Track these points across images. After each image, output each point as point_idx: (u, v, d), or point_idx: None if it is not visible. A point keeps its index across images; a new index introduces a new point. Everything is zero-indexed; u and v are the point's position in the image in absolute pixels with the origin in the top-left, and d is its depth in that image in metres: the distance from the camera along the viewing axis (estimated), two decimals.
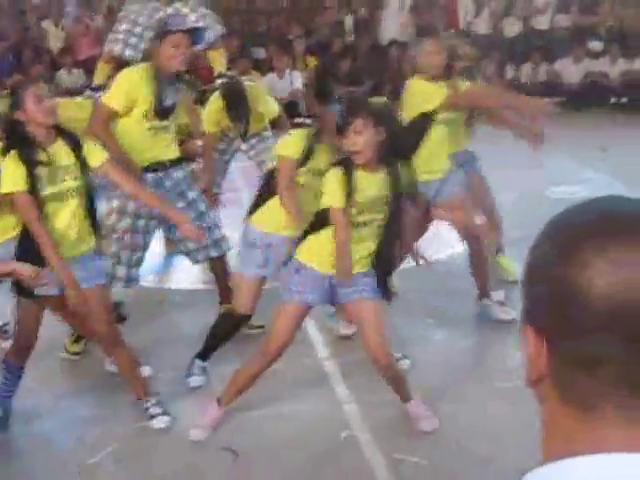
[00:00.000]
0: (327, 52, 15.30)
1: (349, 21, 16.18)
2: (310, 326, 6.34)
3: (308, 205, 5.25)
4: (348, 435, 5.28)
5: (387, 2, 16.05)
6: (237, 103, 7.12)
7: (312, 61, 15.21)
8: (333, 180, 4.87)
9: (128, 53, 7.95)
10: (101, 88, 7.74)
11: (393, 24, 15.81)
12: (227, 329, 5.93)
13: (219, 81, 7.71)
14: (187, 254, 6.56)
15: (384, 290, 5.19)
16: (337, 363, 6.13)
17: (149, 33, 7.90)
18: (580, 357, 1.22)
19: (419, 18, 15.78)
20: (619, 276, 1.17)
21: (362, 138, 4.78)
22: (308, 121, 14.23)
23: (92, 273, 5.23)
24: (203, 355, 5.99)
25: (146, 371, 5.94)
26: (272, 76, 14.39)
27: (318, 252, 5.04)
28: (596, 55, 15.48)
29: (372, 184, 4.90)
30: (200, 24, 7.10)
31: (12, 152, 4.99)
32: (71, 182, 5.12)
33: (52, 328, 5.77)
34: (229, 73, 8.07)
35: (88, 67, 12.41)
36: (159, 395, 5.57)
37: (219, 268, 6.65)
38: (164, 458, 5.15)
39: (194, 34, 6.24)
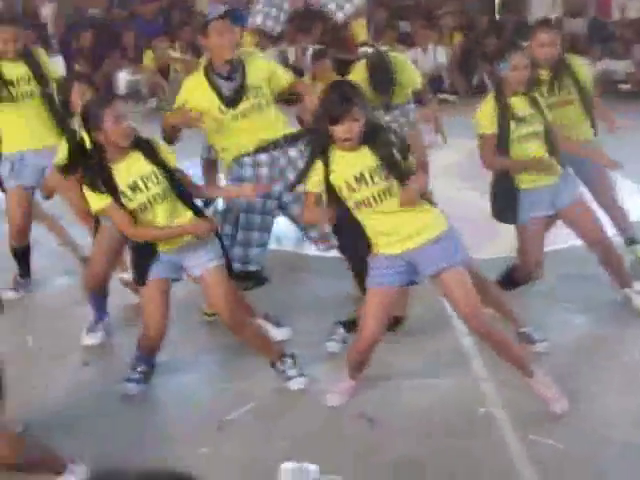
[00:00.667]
0: (474, 29, 15.17)
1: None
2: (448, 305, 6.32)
3: None
4: (485, 411, 5.27)
5: None
6: (381, 73, 7.03)
7: (458, 37, 15.06)
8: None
9: (269, 24, 8.02)
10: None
11: (542, 3, 15.58)
12: None
13: (363, 50, 7.63)
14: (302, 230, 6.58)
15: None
16: (475, 341, 6.09)
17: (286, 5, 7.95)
18: None
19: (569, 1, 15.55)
20: None
21: (357, 125, 4.76)
22: (451, 97, 14.22)
23: (204, 257, 5.29)
24: (348, 325, 6.01)
25: (284, 333, 6.04)
26: (416, 50, 14.31)
27: (374, 237, 5.03)
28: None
29: (355, 160, 4.86)
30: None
31: (85, 181, 5.09)
32: (154, 188, 5.11)
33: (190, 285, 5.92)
34: (372, 43, 7.96)
35: None
36: (296, 357, 5.61)
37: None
38: (300, 419, 5.21)
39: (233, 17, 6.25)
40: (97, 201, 5.05)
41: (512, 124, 5.83)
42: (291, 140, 6.26)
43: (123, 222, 5.08)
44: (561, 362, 5.79)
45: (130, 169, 5.05)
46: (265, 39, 11.13)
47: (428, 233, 4.92)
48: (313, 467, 4.39)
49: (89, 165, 5.05)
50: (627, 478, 4.56)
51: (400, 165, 4.81)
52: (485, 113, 5.95)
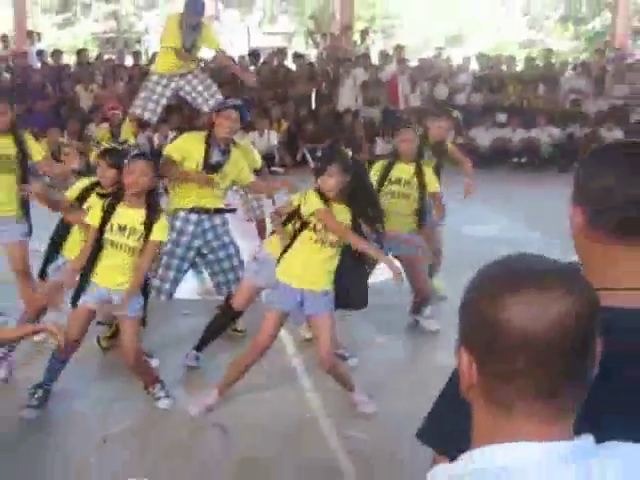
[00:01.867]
0: (296, 117, 15.31)
1: (313, 94, 16.24)
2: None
3: None
4: (310, 416, 5.28)
5: (343, 81, 16.10)
6: None
7: (284, 124, 15.20)
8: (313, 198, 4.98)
9: (147, 116, 7.95)
10: (125, 142, 7.70)
11: (347, 97, 15.87)
12: (222, 323, 5.92)
13: None
14: (216, 286, 6.50)
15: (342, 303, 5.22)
16: (302, 360, 6.12)
17: (163, 101, 7.90)
18: (499, 372, 1.30)
19: (367, 93, 15.87)
20: (528, 315, 1.25)
21: (333, 180, 4.87)
22: (280, 170, 14.32)
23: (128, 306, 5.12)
24: (198, 347, 5.94)
25: (154, 362, 5.91)
26: (254, 134, 14.37)
27: (289, 270, 5.07)
28: (502, 125, 15.65)
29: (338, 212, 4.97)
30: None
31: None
32: (131, 242, 5.03)
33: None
34: None
35: (112, 123, 12.36)
36: (163, 382, 5.50)
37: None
38: (169, 431, 5.09)
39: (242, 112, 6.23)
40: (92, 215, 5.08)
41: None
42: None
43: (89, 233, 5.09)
44: (369, 373, 5.85)
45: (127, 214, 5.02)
46: (138, 127, 11.09)
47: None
48: None
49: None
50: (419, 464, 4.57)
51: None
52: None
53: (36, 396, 5.25)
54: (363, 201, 5.12)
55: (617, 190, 1.67)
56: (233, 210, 6.88)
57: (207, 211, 6.19)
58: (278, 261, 5.17)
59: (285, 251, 5.14)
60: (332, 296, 5.12)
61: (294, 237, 5.11)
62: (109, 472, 4.58)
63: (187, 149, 6.06)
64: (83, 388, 5.67)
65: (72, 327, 5.17)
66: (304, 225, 5.04)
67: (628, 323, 1.55)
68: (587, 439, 1.31)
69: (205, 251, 6.30)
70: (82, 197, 5.62)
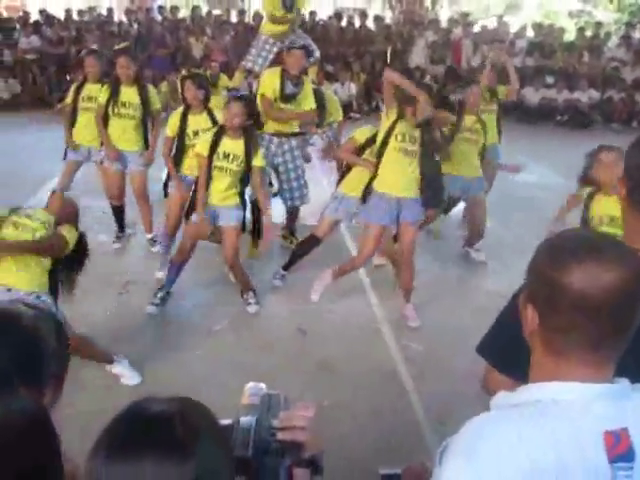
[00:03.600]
0: (373, 72, 15.12)
1: (389, 51, 15.97)
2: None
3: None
4: (375, 326, 5.39)
5: (415, 41, 15.78)
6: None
7: (362, 77, 15.04)
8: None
9: (257, 69, 7.95)
10: (236, 89, 7.79)
11: (418, 56, 15.59)
12: (306, 249, 5.92)
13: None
14: (283, 198, 6.65)
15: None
16: (371, 279, 6.19)
17: (270, 56, 7.87)
18: (558, 325, 1.35)
19: (435, 53, 15.55)
20: (586, 280, 1.30)
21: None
22: (358, 115, 14.21)
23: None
24: (285, 267, 6.02)
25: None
26: (337, 84, 14.26)
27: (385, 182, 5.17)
28: (549, 86, 15.20)
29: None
30: (311, 47, 7.12)
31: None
32: (235, 167, 5.15)
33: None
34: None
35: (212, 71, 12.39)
36: (255, 291, 5.64)
37: (295, 213, 6.82)
38: (259, 331, 5.25)
39: (307, 52, 6.41)
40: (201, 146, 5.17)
41: None
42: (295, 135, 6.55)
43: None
44: (426, 292, 5.88)
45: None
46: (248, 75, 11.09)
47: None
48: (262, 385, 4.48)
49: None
50: (463, 372, 4.60)
51: None
52: None
53: (159, 296, 5.48)
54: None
55: None
56: (303, 134, 6.84)
57: (286, 135, 6.41)
58: (371, 181, 5.21)
59: (376, 171, 5.17)
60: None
61: (379, 157, 5.13)
62: (211, 361, 4.77)
63: (268, 84, 6.19)
64: (193, 292, 5.83)
65: (186, 240, 5.37)
66: (385, 143, 5.07)
67: None
68: (623, 382, 1.36)
69: (281, 169, 6.52)
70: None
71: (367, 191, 5.26)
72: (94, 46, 14.97)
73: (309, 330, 5.27)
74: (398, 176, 5.10)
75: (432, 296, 5.90)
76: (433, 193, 5.26)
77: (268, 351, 4.92)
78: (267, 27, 7.94)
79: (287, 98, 6.21)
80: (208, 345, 5.00)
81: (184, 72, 8.47)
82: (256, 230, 6.36)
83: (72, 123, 6.65)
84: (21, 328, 1.34)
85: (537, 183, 8.75)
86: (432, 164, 5.19)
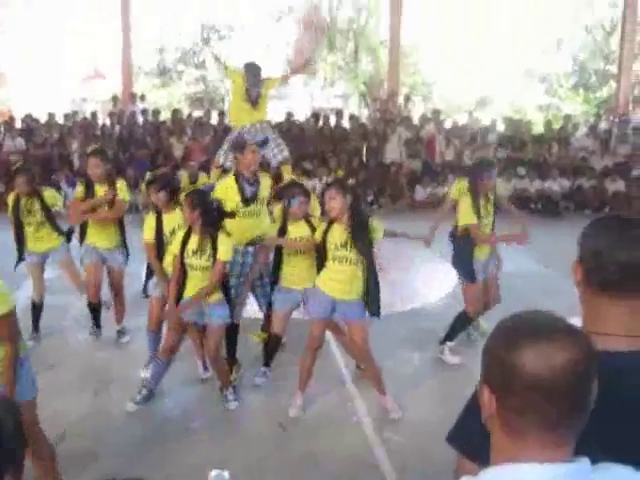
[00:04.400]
0: (350, 167, 15.40)
1: (364, 148, 16.32)
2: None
3: None
4: (356, 419, 5.30)
5: (389, 138, 16.16)
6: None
7: (340, 172, 15.28)
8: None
9: (228, 164, 8.06)
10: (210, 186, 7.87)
11: (392, 151, 15.93)
12: (274, 346, 5.85)
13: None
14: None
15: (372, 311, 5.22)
16: (350, 369, 6.13)
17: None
18: (514, 406, 1.36)
19: (409, 149, 15.90)
20: (539, 362, 1.32)
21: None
22: None
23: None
24: (266, 363, 5.91)
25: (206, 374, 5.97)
26: (315, 180, 14.47)
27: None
28: (521, 177, 15.55)
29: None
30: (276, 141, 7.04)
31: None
32: (203, 262, 5.11)
33: None
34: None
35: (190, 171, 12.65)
36: (236, 387, 5.60)
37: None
38: (240, 426, 5.19)
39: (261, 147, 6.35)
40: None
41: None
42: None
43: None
44: (396, 383, 5.86)
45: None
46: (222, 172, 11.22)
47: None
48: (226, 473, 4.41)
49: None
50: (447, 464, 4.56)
51: None
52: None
53: (142, 393, 5.40)
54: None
55: (605, 254, 1.73)
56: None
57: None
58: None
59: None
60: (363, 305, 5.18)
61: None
62: (190, 459, 4.67)
63: (225, 197, 5.76)
64: (173, 389, 5.76)
65: (170, 335, 5.33)
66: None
67: (610, 364, 1.59)
68: (584, 462, 1.37)
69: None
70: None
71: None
72: (74, 146, 15.29)
73: (288, 424, 5.18)
74: (334, 283, 5.11)
75: (413, 385, 5.86)
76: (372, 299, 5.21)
77: (248, 446, 4.82)
78: (234, 115, 8.08)
79: (248, 201, 5.93)
80: (185, 442, 4.90)
81: (148, 176, 8.58)
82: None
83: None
84: None
85: (515, 272, 8.83)
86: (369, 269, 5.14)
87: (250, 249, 5.99)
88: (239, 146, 6.10)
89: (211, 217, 5.14)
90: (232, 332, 5.86)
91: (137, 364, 6.07)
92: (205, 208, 5.12)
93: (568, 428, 1.36)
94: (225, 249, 5.15)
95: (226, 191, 5.89)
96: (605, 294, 1.73)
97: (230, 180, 6.02)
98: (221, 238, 5.14)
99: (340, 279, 5.08)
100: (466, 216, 6.12)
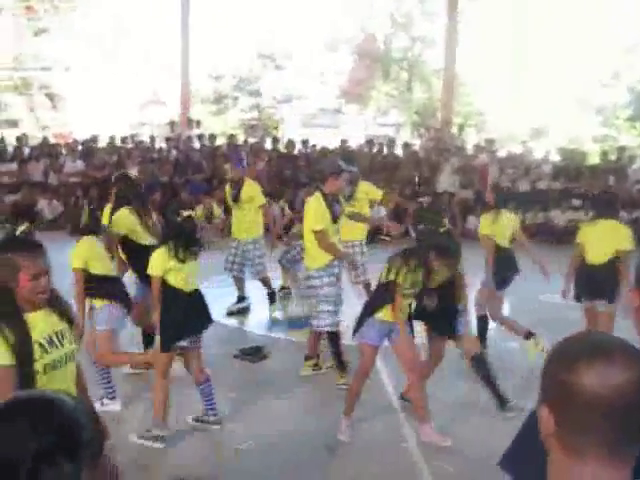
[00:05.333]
0: (402, 196, 15.42)
1: (416, 177, 16.34)
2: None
3: None
4: (405, 447, 5.30)
5: (442, 167, 16.16)
6: None
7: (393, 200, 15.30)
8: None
9: None
10: None
11: (445, 181, 15.91)
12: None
13: None
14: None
15: None
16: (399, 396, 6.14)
17: None
18: (574, 426, 1.39)
19: (463, 178, 15.88)
20: (598, 382, 1.34)
21: None
22: (387, 238, 14.39)
23: None
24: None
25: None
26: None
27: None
28: (576, 208, 15.36)
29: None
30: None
31: None
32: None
33: None
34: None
35: None
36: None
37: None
38: (289, 452, 5.25)
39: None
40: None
41: None
42: None
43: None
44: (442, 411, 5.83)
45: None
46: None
47: None
48: None
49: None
50: None
51: None
52: None
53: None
54: None
55: None
56: None
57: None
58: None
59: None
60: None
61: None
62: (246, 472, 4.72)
63: (320, 214, 6.24)
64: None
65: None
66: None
67: None
68: None
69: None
70: None
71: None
72: (133, 170, 15.67)
73: (338, 448, 5.19)
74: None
75: (463, 414, 5.82)
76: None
77: (297, 469, 4.86)
78: None
79: (335, 219, 6.36)
80: (230, 467, 4.95)
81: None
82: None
83: None
84: (63, 414, 1.45)
85: (567, 304, 8.74)
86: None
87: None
88: (335, 171, 6.36)
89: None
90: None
91: None
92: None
93: (627, 449, 1.37)
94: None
95: (319, 210, 6.21)
96: None
97: (319, 198, 6.28)
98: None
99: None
100: None
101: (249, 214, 8.43)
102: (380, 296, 5.18)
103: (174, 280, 5.09)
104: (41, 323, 2.89)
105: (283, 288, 9.27)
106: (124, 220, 6.53)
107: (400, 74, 29.93)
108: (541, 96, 27.55)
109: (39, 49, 27.62)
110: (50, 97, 27.84)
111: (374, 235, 13.47)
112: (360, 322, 5.24)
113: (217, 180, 15.42)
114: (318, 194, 6.33)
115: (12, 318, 2.80)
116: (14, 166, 16.03)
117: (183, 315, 5.08)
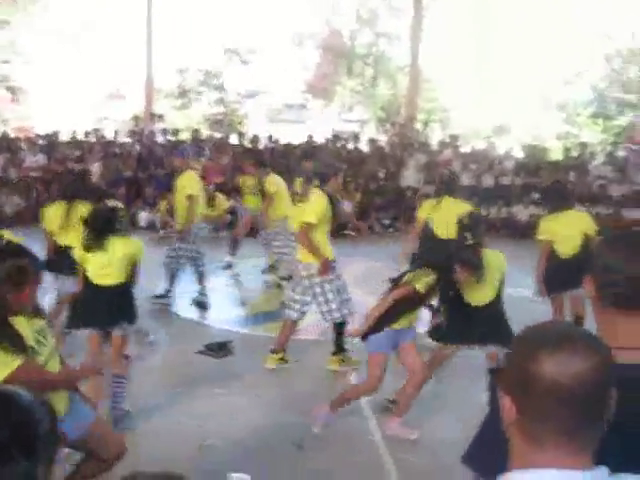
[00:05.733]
0: (367, 191, 15.48)
1: (382, 173, 16.40)
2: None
3: None
4: (371, 438, 5.31)
5: (407, 163, 16.24)
6: None
7: (357, 196, 15.35)
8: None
9: None
10: None
11: (410, 176, 15.99)
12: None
13: None
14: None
15: None
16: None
17: None
18: (535, 414, 1.40)
19: (427, 174, 15.97)
20: (557, 369, 1.36)
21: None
22: (353, 233, 14.43)
23: None
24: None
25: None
26: None
27: None
28: (538, 203, 15.55)
29: None
30: None
31: None
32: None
33: None
34: None
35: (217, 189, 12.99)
36: None
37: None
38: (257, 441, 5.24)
39: None
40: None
41: None
42: None
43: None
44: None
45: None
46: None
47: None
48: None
49: None
50: None
51: None
52: None
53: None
54: None
55: (616, 269, 1.77)
56: None
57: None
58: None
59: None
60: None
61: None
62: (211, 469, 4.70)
63: (320, 207, 6.27)
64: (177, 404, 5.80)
65: None
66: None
67: (626, 376, 1.59)
68: (602, 470, 1.39)
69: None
70: None
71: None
72: (96, 165, 15.47)
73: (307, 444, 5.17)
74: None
75: (433, 408, 5.83)
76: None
77: (262, 463, 4.84)
78: None
79: (335, 216, 6.48)
80: (204, 455, 4.91)
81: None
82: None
83: None
84: (19, 408, 1.41)
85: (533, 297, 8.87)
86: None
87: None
88: (334, 171, 6.49)
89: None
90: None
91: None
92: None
93: (586, 436, 1.39)
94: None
95: (323, 207, 6.22)
96: (617, 310, 1.77)
97: (324, 198, 6.27)
98: None
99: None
100: None
101: (181, 204, 8.40)
102: (400, 307, 5.10)
103: (88, 270, 5.14)
104: (26, 329, 3.03)
105: (284, 278, 9.30)
106: (48, 216, 6.72)
107: (365, 70, 29.99)
108: (504, 93, 27.83)
109: None
110: (11, 90, 27.36)
111: (340, 230, 13.52)
112: (374, 332, 5.14)
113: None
114: (321, 192, 6.30)
115: (4, 326, 2.94)
116: None
117: (86, 305, 5.16)
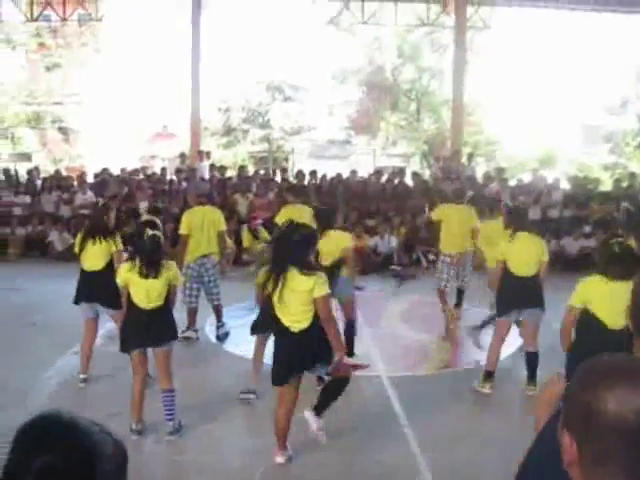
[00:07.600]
0: (412, 225, 15.37)
1: (426, 208, 16.27)
2: None
3: None
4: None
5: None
6: None
7: (402, 230, 15.23)
8: None
9: None
10: None
11: None
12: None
13: None
14: None
15: None
16: None
17: None
18: (597, 453, 1.30)
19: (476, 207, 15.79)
20: (620, 405, 1.26)
21: None
22: (398, 267, 14.30)
23: None
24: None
25: None
26: (377, 238, 14.49)
27: None
28: (587, 236, 15.26)
29: None
30: None
31: None
32: None
33: None
34: None
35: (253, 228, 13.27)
36: None
37: None
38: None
39: None
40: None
41: None
42: None
43: None
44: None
45: None
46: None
47: None
48: None
49: None
50: None
51: None
52: None
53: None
54: None
55: None
56: None
57: None
58: None
59: None
60: None
61: None
62: None
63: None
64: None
65: None
66: None
67: None
68: None
69: None
70: None
71: None
72: (144, 203, 15.69)
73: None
74: None
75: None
76: None
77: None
78: None
79: None
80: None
81: None
82: None
83: None
84: (76, 439, 1.35)
85: None
86: None
87: None
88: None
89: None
90: None
91: None
92: None
93: None
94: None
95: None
96: None
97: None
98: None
99: None
100: None
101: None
102: None
103: (132, 294, 5.50)
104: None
105: None
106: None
107: (408, 105, 30.09)
108: (549, 124, 27.64)
109: (52, 84, 27.93)
110: (63, 131, 28.09)
111: (386, 265, 13.47)
112: None
113: (227, 211, 15.44)
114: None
115: None
116: (27, 198, 16.11)
117: (130, 328, 5.54)
